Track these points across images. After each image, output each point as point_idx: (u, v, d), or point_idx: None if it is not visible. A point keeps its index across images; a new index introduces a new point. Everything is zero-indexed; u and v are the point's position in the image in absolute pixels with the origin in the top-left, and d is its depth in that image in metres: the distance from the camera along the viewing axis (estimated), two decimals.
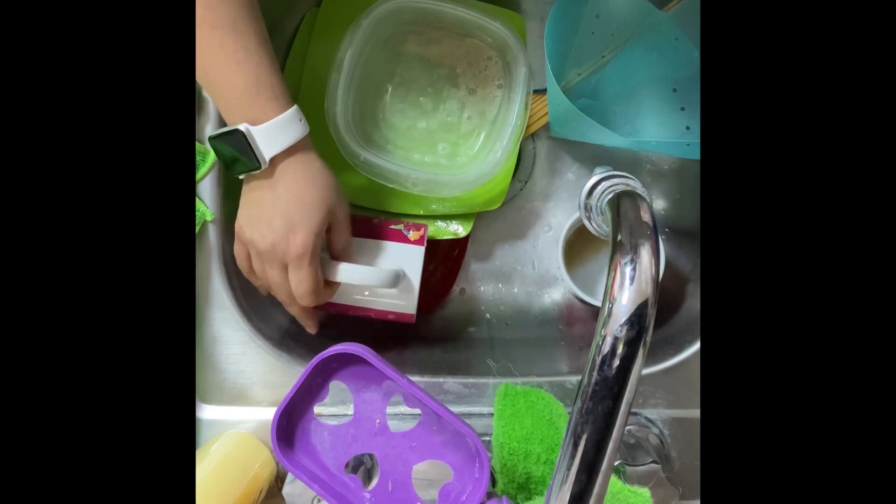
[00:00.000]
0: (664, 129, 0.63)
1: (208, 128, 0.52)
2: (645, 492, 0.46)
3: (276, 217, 0.46)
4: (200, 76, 0.45)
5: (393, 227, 0.57)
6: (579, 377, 0.27)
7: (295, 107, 0.46)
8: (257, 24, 0.45)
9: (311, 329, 0.56)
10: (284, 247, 0.47)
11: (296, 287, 0.48)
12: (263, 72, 0.44)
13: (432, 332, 0.65)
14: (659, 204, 0.66)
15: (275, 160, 0.46)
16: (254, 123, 0.45)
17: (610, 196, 0.32)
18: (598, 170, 0.41)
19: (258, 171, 0.46)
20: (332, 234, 0.51)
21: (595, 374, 0.26)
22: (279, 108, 0.45)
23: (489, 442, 0.49)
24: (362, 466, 0.45)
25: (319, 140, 0.60)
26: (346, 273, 0.52)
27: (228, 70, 0.44)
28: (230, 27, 0.44)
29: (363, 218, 0.59)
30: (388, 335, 0.62)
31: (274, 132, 0.45)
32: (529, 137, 0.65)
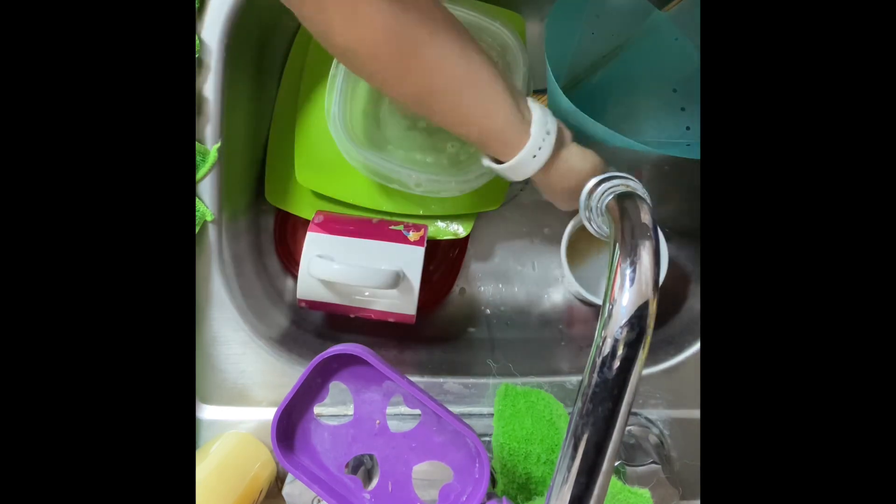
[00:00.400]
0: (664, 129, 0.63)
1: (208, 128, 0.52)
2: (645, 492, 0.46)
3: (562, 197, 0.53)
4: (452, 125, 0.47)
5: (393, 227, 0.57)
6: (580, 378, 0.27)
7: (524, 149, 0.46)
8: (496, 77, 0.45)
9: None
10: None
11: None
12: (509, 115, 0.45)
13: (432, 333, 0.65)
14: (659, 204, 0.66)
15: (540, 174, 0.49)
16: (502, 160, 0.48)
17: (610, 197, 0.32)
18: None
19: None
20: None
21: (595, 375, 0.26)
22: (523, 141, 0.46)
23: (489, 442, 0.49)
24: (362, 467, 0.45)
25: (320, 140, 0.60)
26: (345, 274, 0.52)
27: (483, 119, 0.45)
28: (480, 86, 0.44)
29: (363, 219, 0.59)
30: (389, 335, 0.62)
31: (515, 170, 0.47)
32: None
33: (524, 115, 0.47)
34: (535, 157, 0.47)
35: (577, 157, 0.50)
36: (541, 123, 0.47)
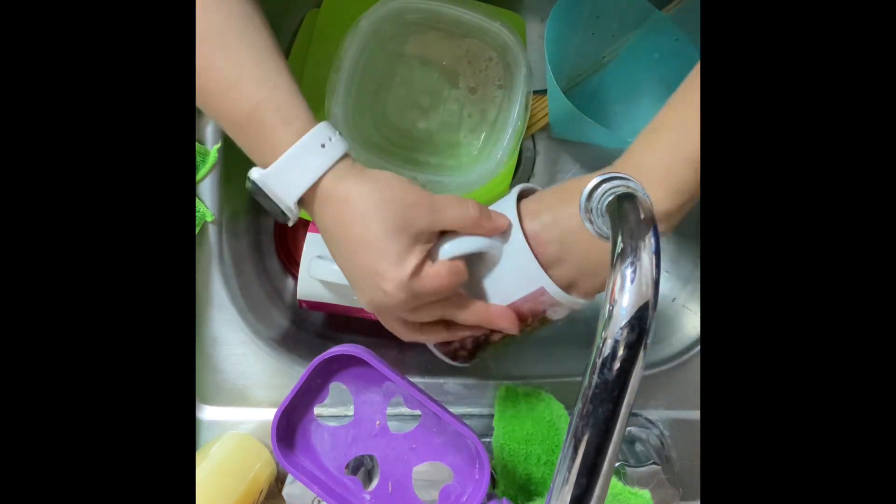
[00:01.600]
0: None
1: (208, 128, 0.52)
2: (645, 493, 0.46)
3: (354, 272, 0.38)
4: (202, 106, 0.38)
5: None
6: (580, 378, 0.27)
7: (312, 131, 0.36)
8: (254, 32, 0.36)
9: (513, 329, 0.43)
10: (388, 300, 0.37)
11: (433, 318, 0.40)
12: (266, 92, 0.35)
13: None
14: None
15: (305, 203, 0.37)
16: (264, 165, 0.36)
17: (610, 198, 0.31)
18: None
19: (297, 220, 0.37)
20: (445, 222, 0.39)
21: (595, 376, 0.26)
22: (289, 137, 0.36)
23: (489, 443, 0.49)
24: (362, 468, 0.45)
25: None
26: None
27: (224, 99, 0.36)
28: (217, 41, 0.35)
29: None
30: (389, 336, 0.62)
31: (285, 173, 0.36)
32: (530, 138, 0.65)
33: (296, 108, 0.36)
34: (323, 146, 0.35)
35: (388, 177, 0.37)
36: (326, 125, 0.37)
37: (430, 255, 0.39)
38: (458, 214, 0.39)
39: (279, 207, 0.37)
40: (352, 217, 0.36)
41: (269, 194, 0.36)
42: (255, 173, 0.36)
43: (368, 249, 0.36)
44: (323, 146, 0.36)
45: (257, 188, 0.36)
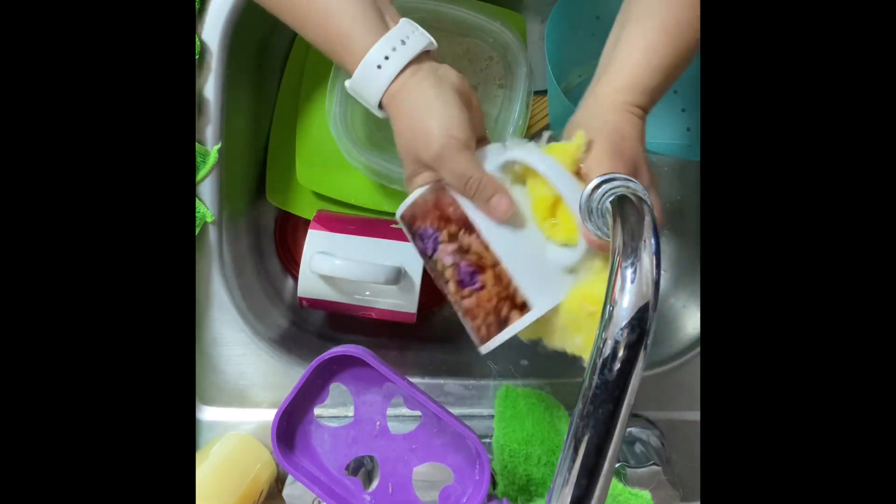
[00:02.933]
0: (665, 130, 0.63)
1: (209, 129, 0.52)
2: (646, 494, 0.46)
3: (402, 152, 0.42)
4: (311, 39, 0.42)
5: (394, 226, 0.57)
6: (580, 379, 0.27)
7: (367, 55, 0.39)
8: None
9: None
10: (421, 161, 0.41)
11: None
12: (334, 23, 0.39)
13: (433, 334, 0.65)
14: None
15: (384, 106, 0.41)
16: (353, 68, 0.40)
17: (611, 199, 0.31)
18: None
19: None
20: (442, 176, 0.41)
21: (596, 377, 0.26)
22: (357, 55, 0.39)
23: (490, 444, 0.49)
24: (363, 468, 0.45)
25: (321, 140, 0.60)
26: (347, 269, 0.52)
27: (312, 27, 0.40)
28: None
29: (364, 218, 0.59)
30: (389, 336, 0.62)
31: (362, 84, 0.40)
32: (530, 138, 0.65)
33: (383, 21, 0.40)
34: (379, 67, 0.39)
35: (431, 100, 0.40)
36: (397, 33, 0.40)
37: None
38: (456, 180, 0.41)
39: (372, 106, 0.42)
40: (398, 128, 0.41)
41: (360, 98, 0.42)
42: (347, 83, 0.42)
43: (400, 153, 0.42)
44: (379, 66, 0.39)
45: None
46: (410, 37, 0.40)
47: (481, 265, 0.40)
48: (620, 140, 0.39)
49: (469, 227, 0.40)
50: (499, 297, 0.40)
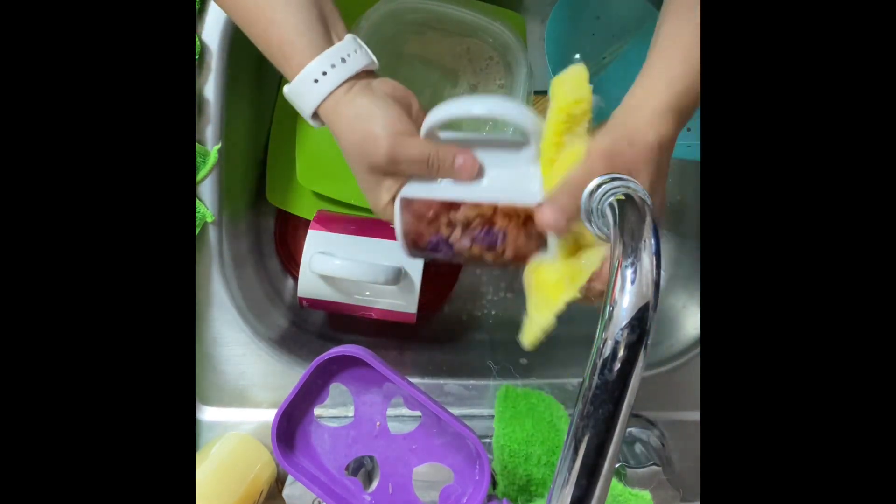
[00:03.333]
0: None
1: (208, 129, 0.52)
2: (646, 494, 0.46)
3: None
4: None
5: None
6: (580, 379, 0.27)
7: (313, 62, 0.39)
8: None
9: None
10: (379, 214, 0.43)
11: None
12: (275, 31, 0.40)
13: (433, 334, 0.65)
14: None
15: (321, 117, 0.42)
16: (290, 79, 0.41)
17: (611, 199, 0.31)
18: None
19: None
20: (403, 172, 0.42)
21: (596, 377, 0.26)
22: (291, 72, 0.40)
23: (490, 444, 0.49)
24: (363, 468, 0.45)
25: (321, 141, 0.60)
26: (347, 269, 0.52)
27: (255, 32, 0.40)
28: None
29: (364, 218, 0.59)
30: (389, 336, 0.62)
31: (297, 95, 0.41)
32: None
33: (328, 35, 0.41)
34: (316, 81, 0.39)
35: (368, 107, 0.40)
36: (339, 50, 0.40)
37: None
38: (417, 167, 0.41)
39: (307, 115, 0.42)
40: (341, 143, 0.42)
41: (295, 108, 0.42)
42: (285, 89, 0.42)
43: (355, 175, 0.43)
44: (316, 81, 0.40)
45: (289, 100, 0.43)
46: (352, 55, 0.41)
47: (488, 221, 0.41)
48: (626, 145, 0.38)
49: (453, 206, 0.41)
50: (519, 225, 0.41)
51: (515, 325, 0.66)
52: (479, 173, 0.41)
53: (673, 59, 0.40)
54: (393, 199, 0.42)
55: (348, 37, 0.41)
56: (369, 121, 0.40)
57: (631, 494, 0.46)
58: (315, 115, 0.42)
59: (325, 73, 0.40)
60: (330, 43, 0.41)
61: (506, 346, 0.63)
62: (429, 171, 0.41)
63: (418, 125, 0.42)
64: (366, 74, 0.42)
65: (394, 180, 0.42)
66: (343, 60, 0.40)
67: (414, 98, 0.43)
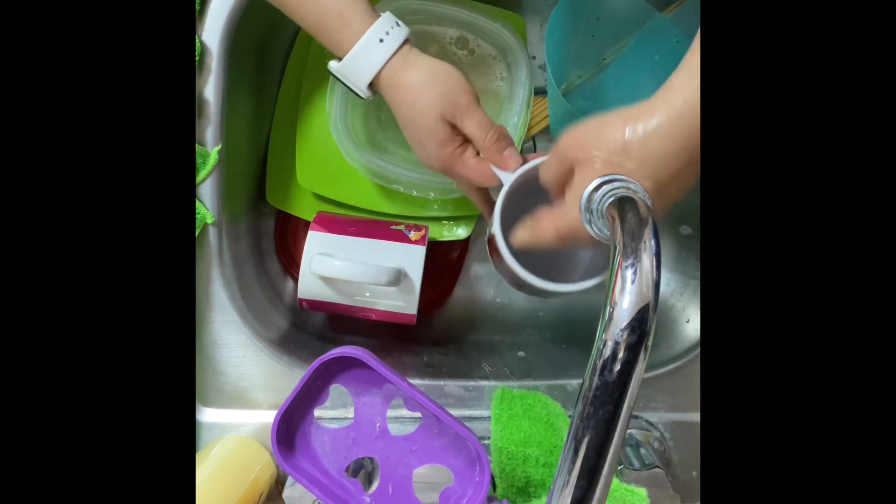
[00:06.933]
0: None
1: (209, 130, 0.52)
2: (641, 491, 0.46)
3: (411, 141, 0.46)
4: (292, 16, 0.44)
5: (394, 227, 0.57)
6: (580, 380, 0.27)
7: (368, 31, 0.42)
8: None
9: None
10: (432, 166, 0.46)
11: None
12: (330, 1, 0.42)
13: (433, 335, 0.65)
14: None
15: (375, 86, 0.44)
16: (340, 57, 0.43)
17: (611, 199, 0.31)
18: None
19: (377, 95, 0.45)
20: (464, 128, 0.45)
21: (596, 378, 0.26)
22: (352, 37, 0.42)
23: (489, 446, 0.49)
24: (363, 470, 0.45)
25: (321, 142, 0.60)
26: (347, 270, 0.52)
27: (298, 8, 0.42)
28: None
29: (364, 219, 0.59)
30: (389, 337, 0.62)
31: (354, 66, 0.42)
32: (530, 140, 0.65)
33: (371, 8, 0.43)
34: (381, 41, 0.42)
35: (442, 63, 0.43)
36: (388, 17, 0.43)
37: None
38: (476, 133, 0.44)
39: (355, 91, 0.44)
40: (408, 100, 0.44)
41: (346, 82, 0.44)
42: (332, 65, 0.44)
43: (419, 128, 0.45)
44: (381, 41, 0.42)
45: (336, 77, 0.45)
46: (398, 23, 0.43)
47: None
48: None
49: None
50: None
51: (516, 325, 0.67)
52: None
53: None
54: (457, 147, 0.45)
55: (385, 13, 0.44)
56: (446, 76, 0.43)
57: (627, 490, 0.46)
58: (369, 86, 0.44)
59: (387, 34, 0.42)
60: (377, 13, 0.43)
61: (506, 346, 0.64)
62: (486, 140, 0.44)
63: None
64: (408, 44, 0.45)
65: (458, 134, 0.45)
66: (397, 24, 0.43)
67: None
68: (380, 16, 0.43)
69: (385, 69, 0.43)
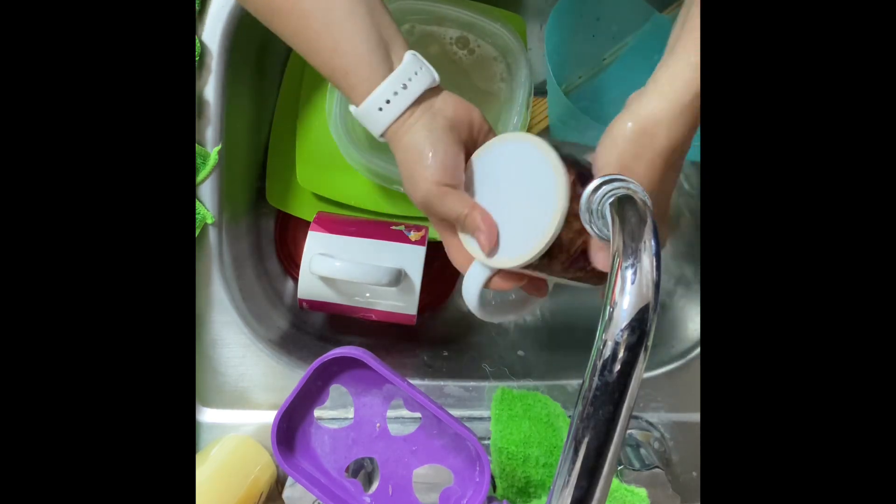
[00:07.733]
0: None
1: (209, 130, 0.52)
2: (641, 491, 0.46)
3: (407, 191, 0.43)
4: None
5: (394, 227, 0.57)
6: (580, 381, 0.27)
7: (376, 91, 0.40)
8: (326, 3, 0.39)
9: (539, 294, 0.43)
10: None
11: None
12: (337, 61, 0.40)
13: (433, 335, 0.65)
14: None
15: (386, 138, 0.42)
16: (357, 105, 0.41)
17: (611, 200, 0.31)
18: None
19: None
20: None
21: (595, 378, 0.26)
22: (357, 99, 0.41)
23: (489, 446, 0.49)
24: (363, 470, 0.45)
25: (321, 142, 0.60)
26: (347, 271, 0.52)
27: (311, 59, 0.41)
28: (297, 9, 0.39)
29: (364, 220, 0.59)
30: (389, 338, 0.62)
31: (364, 120, 0.41)
32: None
33: (388, 59, 0.41)
34: (381, 110, 0.40)
35: (421, 144, 0.40)
36: (401, 74, 0.40)
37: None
38: (443, 222, 0.42)
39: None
40: (404, 159, 0.41)
41: (367, 126, 0.42)
42: (352, 108, 0.42)
43: (409, 181, 0.42)
44: (380, 110, 0.40)
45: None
46: (413, 78, 0.40)
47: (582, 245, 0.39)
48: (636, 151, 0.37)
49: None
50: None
51: (516, 325, 0.67)
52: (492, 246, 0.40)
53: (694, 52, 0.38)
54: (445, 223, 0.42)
55: (408, 56, 0.41)
56: (418, 161, 0.40)
57: (627, 490, 0.46)
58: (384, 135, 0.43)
59: (388, 102, 0.40)
60: (391, 67, 0.41)
61: (506, 346, 0.64)
62: (458, 227, 0.41)
63: (480, 139, 0.42)
64: (430, 93, 0.42)
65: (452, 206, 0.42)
66: (404, 87, 0.40)
67: (476, 111, 0.43)
68: (391, 71, 0.41)
69: (388, 130, 0.41)
